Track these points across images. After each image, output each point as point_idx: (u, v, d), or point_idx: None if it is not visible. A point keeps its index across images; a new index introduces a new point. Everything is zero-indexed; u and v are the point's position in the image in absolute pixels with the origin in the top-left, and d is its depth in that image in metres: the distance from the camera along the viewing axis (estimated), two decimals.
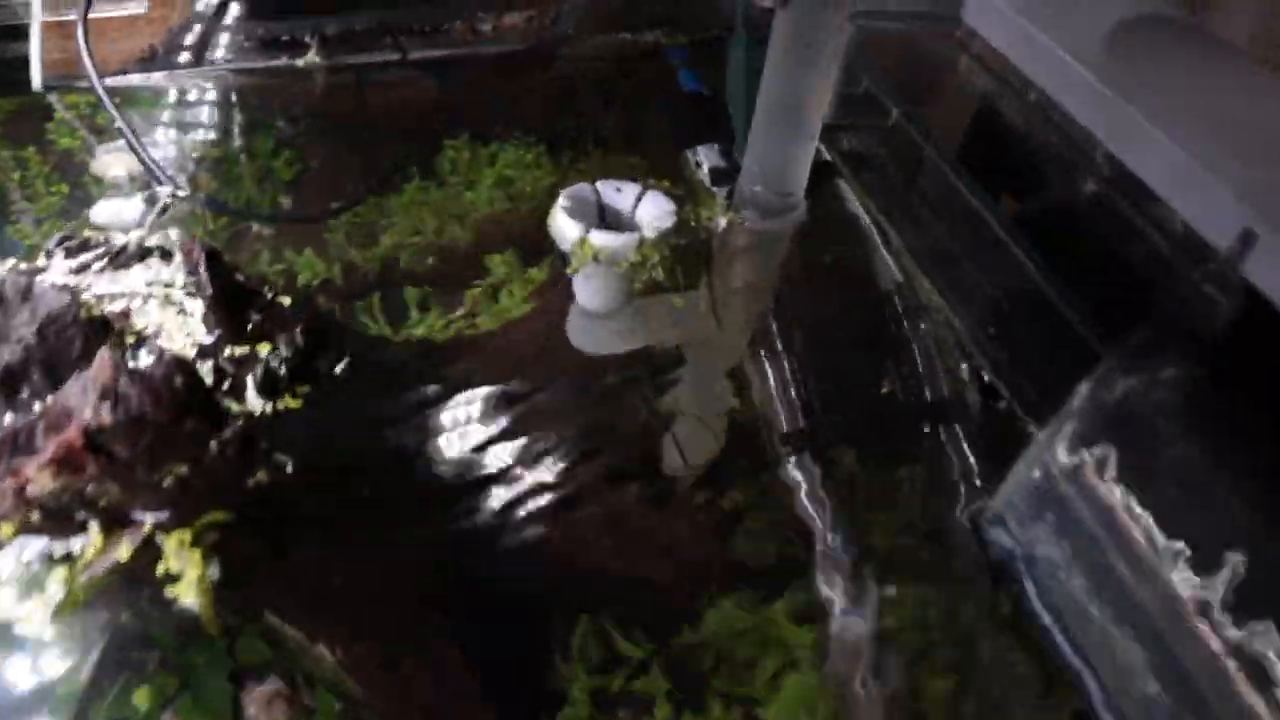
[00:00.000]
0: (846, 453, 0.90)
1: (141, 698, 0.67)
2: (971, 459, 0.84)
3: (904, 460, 0.88)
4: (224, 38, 1.42)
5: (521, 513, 0.84)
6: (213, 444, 0.72)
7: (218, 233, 1.15)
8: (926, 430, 0.89)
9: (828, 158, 1.12)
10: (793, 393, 0.95)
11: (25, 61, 1.34)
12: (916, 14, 0.91)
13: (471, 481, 0.86)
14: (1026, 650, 0.71)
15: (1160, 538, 0.64)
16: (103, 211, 1.21)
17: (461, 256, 1.13)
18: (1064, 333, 0.78)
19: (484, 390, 0.94)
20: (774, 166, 1.02)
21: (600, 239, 0.96)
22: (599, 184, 1.04)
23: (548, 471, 0.87)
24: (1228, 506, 0.62)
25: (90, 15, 1.24)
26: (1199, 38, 0.80)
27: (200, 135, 1.33)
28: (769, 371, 0.98)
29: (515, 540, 0.82)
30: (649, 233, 0.98)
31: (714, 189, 1.15)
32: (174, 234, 1.09)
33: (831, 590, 0.78)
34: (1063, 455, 0.69)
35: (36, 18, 1.29)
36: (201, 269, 0.89)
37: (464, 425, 0.91)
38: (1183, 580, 0.60)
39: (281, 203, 1.22)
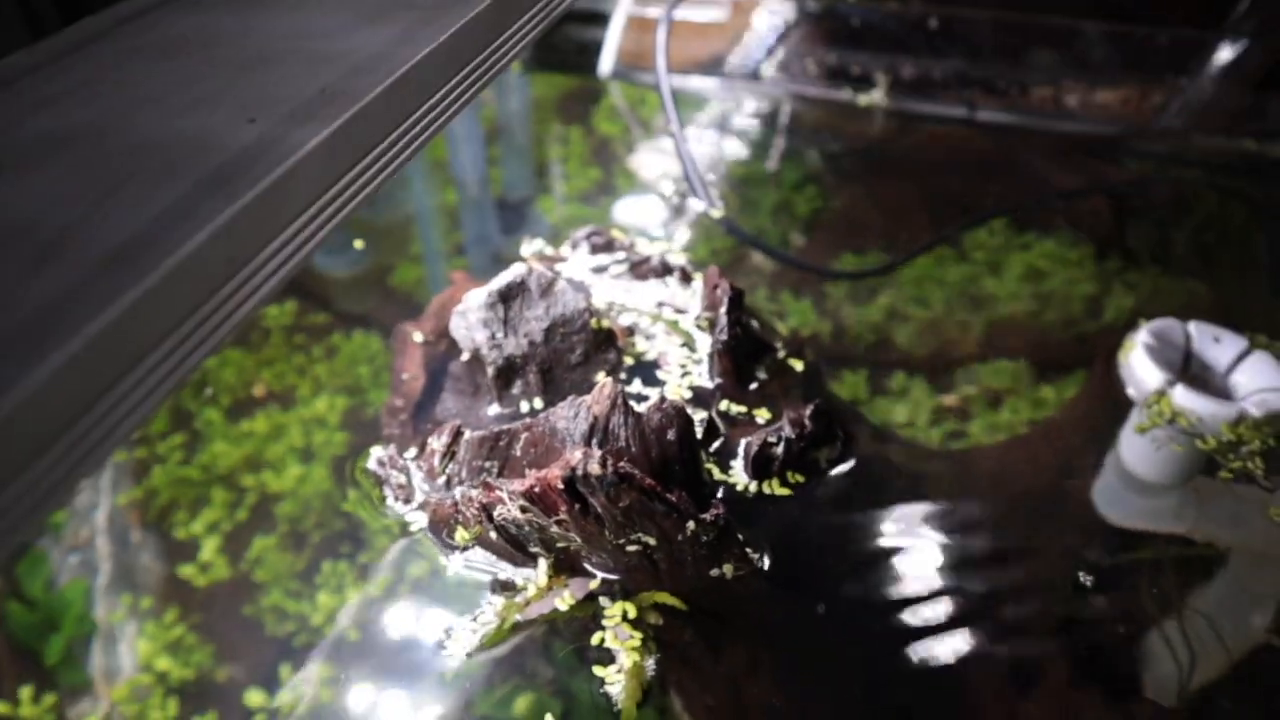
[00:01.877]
0: None
1: (522, 705, 0.62)
2: None
3: None
4: (792, 58, 1.36)
5: (966, 676, 0.67)
6: (690, 525, 0.62)
7: (722, 252, 1.09)
8: None
9: None
10: None
11: (598, 46, 1.37)
12: None
13: (920, 624, 0.71)
14: None
15: None
16: (627, 207, 1.20)
17: (966, 349, 0.99)
18: None
19: (966, 523, 0.79)
20: None
21: (1188, 400, 0.75)
22: (1193, 325, 0.83)
23: (1005, 645, 0.70)
24: None
25: (653, 12, 1.23)
26: None
27: (735, 150, 1.29)
28: None
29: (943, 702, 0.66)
30: (1253, 408, 0.75)
31: None
32: (679, 250, 1.04)
33: None
34: None
35: (622, 7, 1.31)
36: (722, 308, 0.81)
37: (934, 558, 0.75)
38: None
39: (791, 239, 1.14)
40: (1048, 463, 0.86)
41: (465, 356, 0.83)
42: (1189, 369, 0.82)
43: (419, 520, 0.71)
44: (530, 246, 0.98)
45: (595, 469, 0.59)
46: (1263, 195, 1.18)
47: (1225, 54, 1.24)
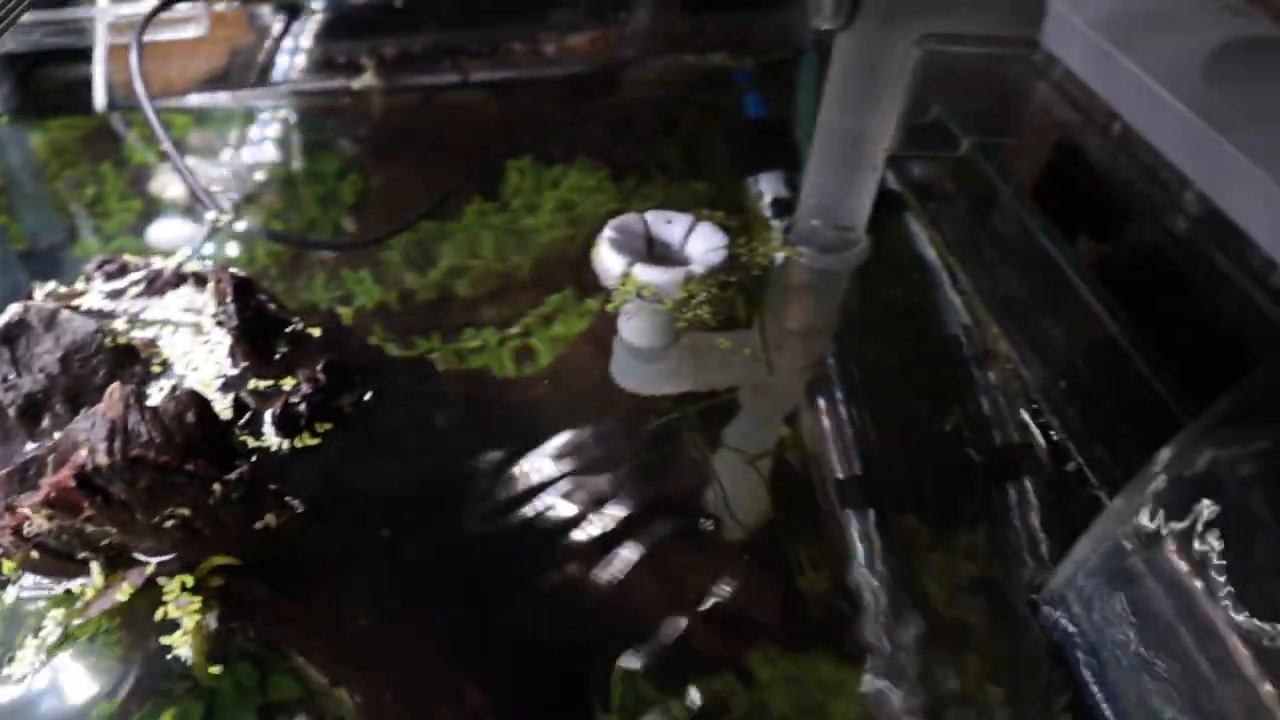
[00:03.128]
0: (904, 507, 0.83)
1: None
2: (1036, 525, 0.76)
3: (965, 520, 0.81)
4: (286, 60, 1.41)
5: (557, 557, 0.79)
6: (216, 487, 0.68)
7: (281, 256, 1.13)
8: (990, 489, 0.82)
9: (895, 188, 1.05)
10: (850, 439, 0.89)
11: (88, 83, 1.35)
12: (990, 37, 0.84)
13: (506, 524, 0.81)
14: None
15: (1249, 625, 0.56)
16: (159, 232, 1.21)
17: (521, 284, 1.10)
18: (1142, 393, 0.70)
19: (526, 428, 0.90)
20: (833, 200, 0.96)
21: (645, 273, 0.91)
22: (648, 214, 0.99)
23: (586, 516, 0.82)
24: None
25: (152, 40, 1.24)
26: None
27: (264, 157, 1.32)
28: (825, 418, 0.91)
29: (549, 585, 0.77)
30: (698, 267, 0.92)
31: (774, 221, 1.09)
32: (207, 260, 1.07)
33: (877, 653, 0.71)
34: (1137, 529, 0.61)
35: (101, 41, 1.30)
36: (229, 298, 0.86)
37: (503, 465, 0.86)
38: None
39: (344, 225, 1.20)
40: (587, 361, 0.99)
41: None
42: (654, 250, 0.97)
43: None
44: (42, 290, 0.97)
45: (104, 460, 0.64)
46: (718, 98, 1.39)
47: None
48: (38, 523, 0.65)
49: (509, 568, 0.78)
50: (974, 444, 0.84)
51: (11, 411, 0.80)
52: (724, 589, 0.78)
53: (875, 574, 0.77)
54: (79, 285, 0.98)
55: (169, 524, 0.69)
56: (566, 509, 0.82)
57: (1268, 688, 0.52)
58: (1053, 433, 0.80)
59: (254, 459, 0.77)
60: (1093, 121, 0.81)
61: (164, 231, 1.20)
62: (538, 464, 0.86)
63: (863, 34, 0.84)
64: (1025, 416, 0.82)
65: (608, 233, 0.95)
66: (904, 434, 0.89)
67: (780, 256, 1.01)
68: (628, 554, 0.80)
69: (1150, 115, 0.71)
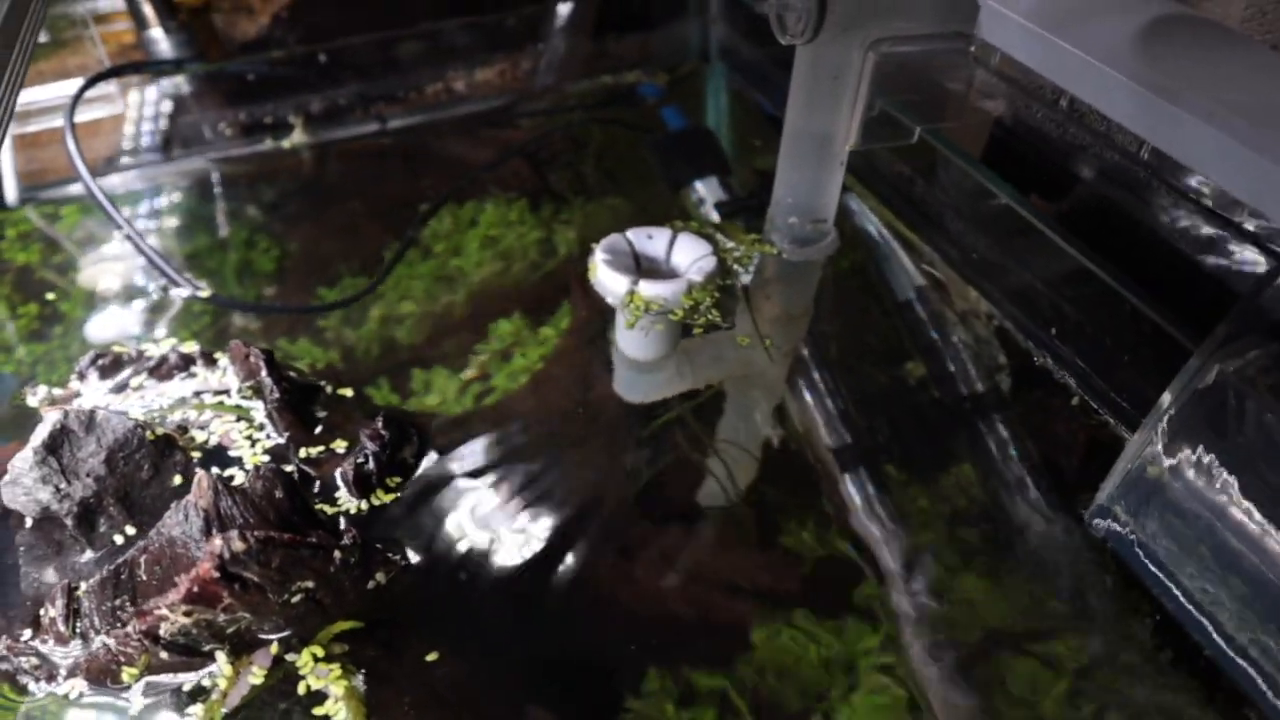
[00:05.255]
0: (893, 459, 0.91)
1: None
2: (1049, 456, 0.86)
3: (950, 459, 0.90)
4: (201, 126, 1.39)
5: (583, 569, 0.83)
6: (336, 554, 0.70)
7: (203, 331, 1.10)
8: (969, 429, 0.92)
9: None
10: (832, 408, 0.97)
11: None
12: (931, 35, 0.93)
13: (533, 545, 0.85)
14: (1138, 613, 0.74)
15: (1260, 514, 0.67)
16: (104, 325, 1.17)
17: (460, 323, 1.12)
18: (1137, 326, 0.81)
19: (530, 450, 0.94)
20: (805, 197, 1.04)
21: (650, 289, 0.96)
22: (629, 232, 1.04)
23: (601, 523, 0.87)
24: None
25: (48, 127, 1.21)
26: (1215, 29, 0.83)
27: (176, 231, 1.29)
28: (808, 394, 0.99)
29: (582, 600, 0.81)
30: (695, 275, 0.98)
31: (726, 221, 1.16)
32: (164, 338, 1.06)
33: (897, 595, 0.79)
34: (1162, 446, 0.71)
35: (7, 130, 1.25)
36: (264, 373, 0.87)
37: (518, 488, 0.90)
38: None
39: (266, 294, 1.18)
40: (569, 383, 1.03)
41: (30, 523, 0.82)
42: (641, 266, 1.03)
43: (78, 686, 0.71)
44: (36, 396, 0.95)
45: (239, 546, 0.65)
46: (630, 115, 1.45)
47: (563, 14, 1.49)
48: (178, 620, 0.66)
49: (545, 590, 0.82)
50: (949, 391, 0.94)
51: (69, 521, 0.79)
52: (739, 566, 0.85)
53: (875, 518, 0.86)
54: (74, 385, 0.97)
55: (296, 599, 0.70)
56: (582, 520, 0.87)
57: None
58: (1036, 360, 0.90)
59: (349, 523, 0.79)
60: (1035, 99, 0.91)
61: (110, 324, 1.16)
62: (550, 479, 0.90)
63: (824, 45, 0.92)
64: (998, 361, 0.93)
65: (600, 255, 1.00)
66: (882, 391, 0.98)
67: (756, 256, 1.09)
68: (648, 553, 0.85)
69: (1099, 90, 0.82)
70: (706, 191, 1.25)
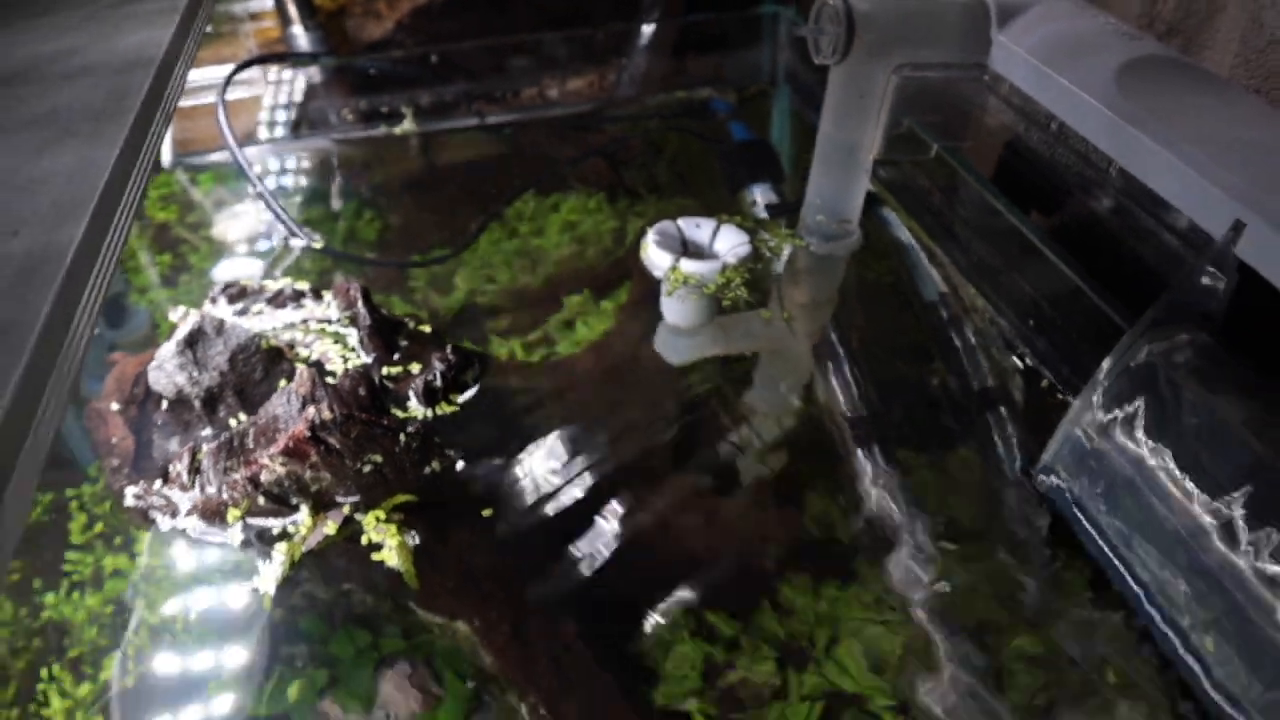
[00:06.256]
0: (906, 439, 1.04)
1: (294, 690, 0.81)
2: (1015, 431, 0.99)
3: (956, 441, 1.03)
4: (326, 111, 1.60)
5: (614, 500, 0.98)
6: (402, 437, 0.88)
7: (312, 275, 1.30)
8: (974, 415, 1.04)
9: (872, 189, 1.29)
10: (854, 391, 1.10)
11: None
12: (950, 64, 1.08)
13: (585, 475, 1.01)
14: (1078, 570, 0.86)
15: (1180, 474, 0.79)
16: (230, 269, 1.38)
17: (536, 295, 1.28)
18: (1095, 321, 0.93)
19: (583, 398, 1.10)
20: (833, 199, 1.19)
21: (690, 266, 1.12)
22: (680, 220, 1.20)
23: (641, 469, 1.02)
24: (1235, 444, 0.77)
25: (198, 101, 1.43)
26: (1190, 70, 0.96)
27: (297, 200, 1.50)
28: (833, 375, 1.13)
29: (611, 529, 0.95)
30: (730, 258, 1.14)
31: (770, 220, 1.32)
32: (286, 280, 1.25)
33: (904, 558, 0.92)
34: (1098, 414, 0.84)
35: None
36: (360, 304, 1.06)
37: (562, 421, 1.06)
38: (1201, 500, 0.75)
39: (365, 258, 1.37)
40: (622, 347, 1.19)
41: (165, 405, 1.01)
42: (687, 250, 1.19)
43: (193, 523, 0.89)
44: (176, 314, 1.15)
45: (327, 415, 0.83)
46: (701, 127, 1.62)
47: (646, 34, 1.68)
48: (275, 469, 0.84)
49: (587, 515, 0.97)
50: (959, 381, 1.07)
51: (196, 403, 0.98)
52: (760, 525, 0.99)
53: (885, 488, 0.99)
54: (206, 307, 1.16)
55: (366, 469, 0.88)
56: (625, 466, 1.02)
57: (1206, 519, 0.75)
58: (1026, 359, 1.03)
59: (417, 421, 0.97)
60: (1035, 123, 1.05)
61: (233, 268, 1.38)
62: (597, 433, 1.06)
63: (853, 67, 1.07)
64: (995, 353, 1.06)
65: (651, 236, 1.16)
66: (899, 377, 1.12)
67: (788, 248, 1.24)
68: (682, 502, 1.00)
69: (1081, 116, 0.95)
70: (760, 195, 1.40)
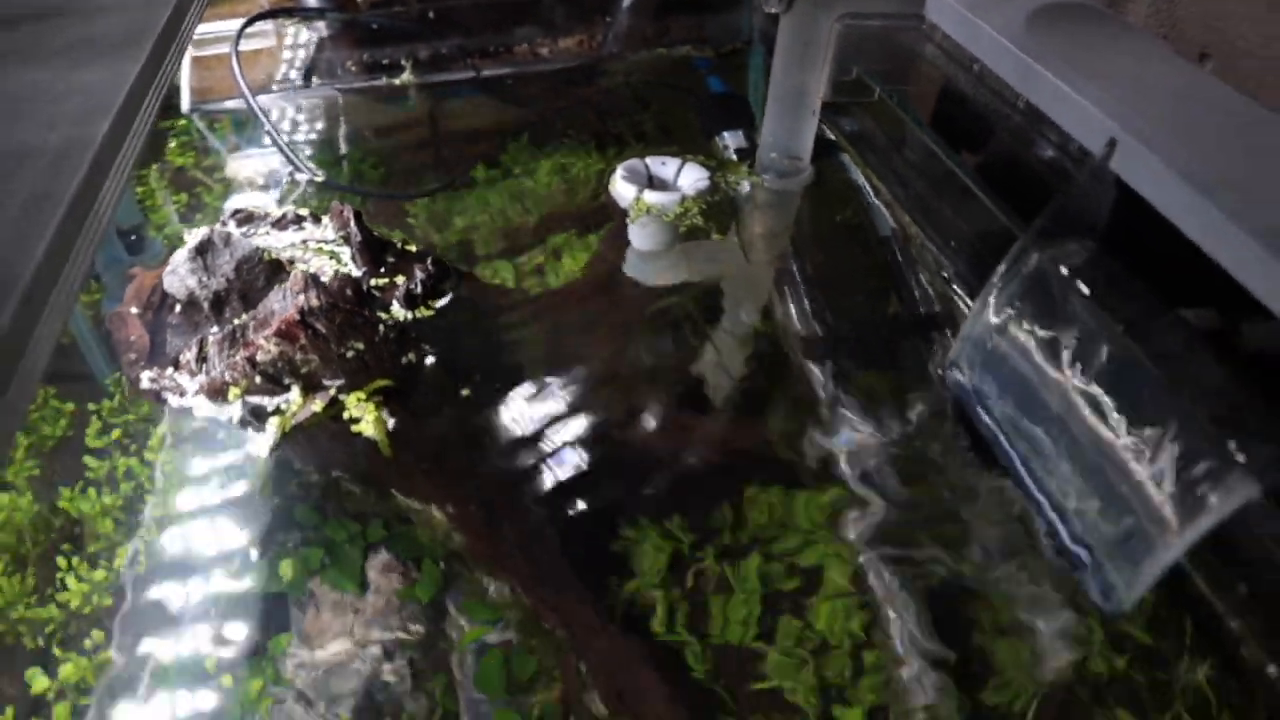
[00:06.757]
0: (852, 353, 1.15)
1: (287, 568, 0.91)
2: (939, 340, 1.10)
3: (895, 353, 1.14)
4: (333, 64, 1.73)
5: (591, 406, 1.09)
6: (380, 328, 1.00)
7: (318, 209, 1.42)
8: (911, 330, 1.16)
9: (831, 136, 1.40)
10: (809, 310, 1.22)
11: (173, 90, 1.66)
12: (889, 14, 1.19)
13: (556, 380, 1.12)
14: (977, 451, 0.97)
15: (1063, 363, 0.89)
16: (241, 202, 1.51)
17: (528, 231, 1.39)
18: (1007, 239, 1.05)
19: (552, 310, 1.21)
20: (785, 138, 1.30)
21: (651, 196, 1.24)
22: (648, 159, 1.32)
23: (610, 378, 1.14)
24: (1109, 337, 0.88)
25: (215, 52, 1.56)
26: (1100, 17, 1.07)
27: (306, 142, 1.63)
28: (790, 299, 1.24)
29: (585, 428, 1.06)
30: (689, 191, 1.26)
31: (736, 162, 1.44)
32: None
33: (841, 440, 1.03)
34: (991, 314, 0.95)
35: (187, 53, 1.61)
36: (352, 224, 1.18)
37: (550, 341, 1.18)
38: (1078, 383, 0.86)
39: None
40: (602, 270, 1.31)
41: (178, 309, 1.14)
42: (653, 184, 1.31)
43: (199, 402, 1.02)
44: (188, 234, 1.28)
45: (315, 302, 0.95)
46: (682, 81, 1.73)
47: None
48: (270, 350, 0.97)
49: (561, 413, 1.09)
50: (902, 303, 1.19)
51: (205, 305, 1.11)
52: (721, 437, 1.10)
53: (836, 396, 1.10)
54: (217, 227, 1.29)
55: (350, 355, 1.00)
56: (594, 375, 1.13)
57: (1081, 401, 0.86)
58: (953, 281, 1.15)
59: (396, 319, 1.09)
60: (963, 68, 1.15)
61: (245, 202, 1.50)
62: (569, 345, 1.18)
63: (799, 16, 1.18)
64: (928, 276, 1.17)
65: (620, 172, 1.28)
66: (849, 301, 1.23)
67: (747, 183, 1.36)
68: (648, 411, 1.12)
69: (996, 57, 1.06)
70: (731, 140, 1.52)
